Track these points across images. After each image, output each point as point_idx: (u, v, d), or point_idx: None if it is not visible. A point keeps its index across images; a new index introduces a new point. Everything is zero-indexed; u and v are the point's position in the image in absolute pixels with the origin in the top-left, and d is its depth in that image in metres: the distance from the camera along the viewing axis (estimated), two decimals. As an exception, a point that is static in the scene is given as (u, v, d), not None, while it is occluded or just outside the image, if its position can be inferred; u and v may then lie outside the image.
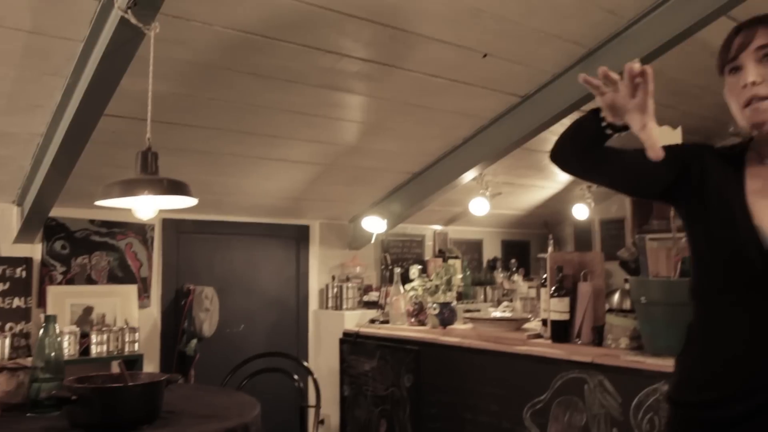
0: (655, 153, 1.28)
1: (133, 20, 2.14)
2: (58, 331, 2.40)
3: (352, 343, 4.42)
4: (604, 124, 1.40)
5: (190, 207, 2.40)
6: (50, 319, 2.33)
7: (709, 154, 1.47)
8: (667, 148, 1.32)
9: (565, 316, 3.26)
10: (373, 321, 4.56)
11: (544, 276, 3.48)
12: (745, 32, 1.37)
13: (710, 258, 1.40)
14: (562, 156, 1.55)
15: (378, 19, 2.85)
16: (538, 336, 3.42)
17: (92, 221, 4.15)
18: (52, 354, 2.31)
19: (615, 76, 1.33)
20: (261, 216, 4.82)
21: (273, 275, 5.00)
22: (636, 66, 1.28)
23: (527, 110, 3.81)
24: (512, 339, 3.44)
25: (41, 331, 2.35)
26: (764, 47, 1.33)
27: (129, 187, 2.05)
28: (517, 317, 3.97)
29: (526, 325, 3.77)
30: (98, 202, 2.16)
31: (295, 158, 4.05)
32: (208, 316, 4.36)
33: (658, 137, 1.29)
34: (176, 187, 2.06)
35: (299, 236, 5.12)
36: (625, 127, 1.37)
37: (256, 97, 3.23)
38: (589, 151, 1.48)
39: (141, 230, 4.32)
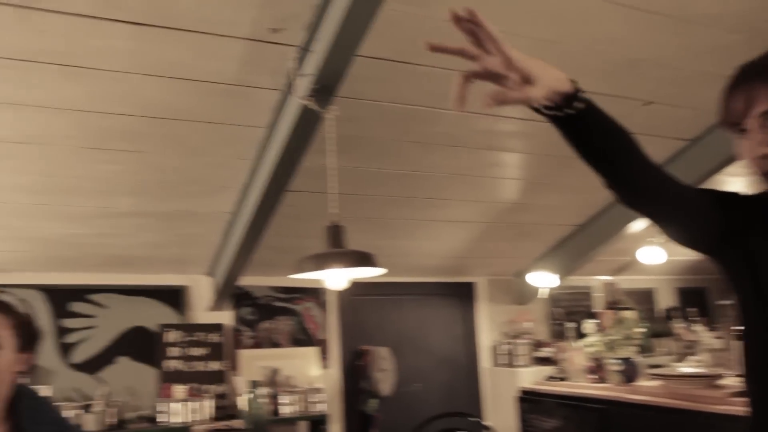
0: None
1: (313, 106, 2.35)
2: (261, 394, 2.58)
3: (530, 402, 4.34)
4: (547, 112, 1.10)
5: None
6: (255, 384, 2.51)
7: (746, 198, 1.31)
8: (712, 192, 1.26)
9: None
10: (550, 378, 4.45)
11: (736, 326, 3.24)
12: (745, 92, 1.20)
13: None
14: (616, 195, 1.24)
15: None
16: (741, 394, 3.16)
17: (274, 288, 4.45)
18: (259, 416, 2.48)
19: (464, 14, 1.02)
20: (428, 275, 4.92)
21: (443, 333, 5.05)
22: (458, 10, 1.00)
23: (696, 153, 3.63)
24: (710, 397, 3.19)
25: (249, 395, 2.53)
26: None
27: (321, 261, 2.20)
28: (711, 373, 3.69)
29: (721, 381, 3.50)
30: (293, 276, 2.33)
31: (458, 218, 4.14)
32: (385, 376, 4.48)
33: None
34: (364, 259, 2.19)
35: (465, 294, 5.16)
36: (562, 99, 1.06)
37: (420, 163, 3.37)
38: (609, 168, 1.18)
39: (317, 294, 4.56)
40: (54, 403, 2.17)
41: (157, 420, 3.77)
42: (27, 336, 1.77)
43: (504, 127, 3.23)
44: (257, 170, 3.04)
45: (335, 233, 2.32)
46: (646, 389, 3.67)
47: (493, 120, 3.13)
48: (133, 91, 2.48)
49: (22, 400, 1.69)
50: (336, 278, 2.41)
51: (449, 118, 3.03)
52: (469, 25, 1.04)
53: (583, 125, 1.11)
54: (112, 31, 2.19)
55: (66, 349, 3.86)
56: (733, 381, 3.44)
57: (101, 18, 2.14)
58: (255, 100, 2.66)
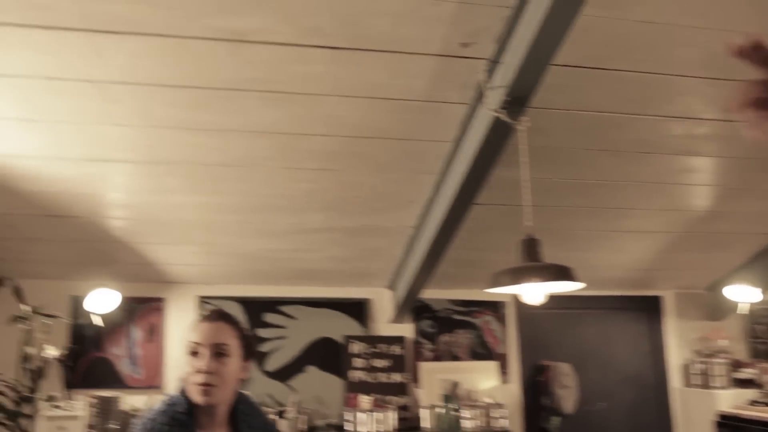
0: None
1: (505, 118, 2.32)
2: (452, 407, 2.58)
3: (731, 428, 3.99)
4: None
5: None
6: (449, 399, 2.52)
7: None
8: None
9: None
10: (754, 403, 4.07)
11: None
12: None
13: None
14: None
15: (738, 77, 2.66)
16: None
17: (452, 301, 4.45)
18: (452, 429, 2.48)
19: None
20: (611, 289, 4.70)
21: (627, 349, 4.79)
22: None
23: None
24: None
25: (439, 408, 2.55)
26: None
27: (517, 275, 2.16)
28: None
29: None
30: (488, 290, 2.31)
31: (646, 228, 3.91)
32: (567, 393, 4.33)
33: None
34: (563, 273, 2.12)
35: (652, 308, 4.86)
36: None
37: (609, 172, 3.22)
38: None
39: (496, 308, 4.51)
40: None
41: (345, 428, 3.89)
42: (248, 346, 1.88)
43: (700, 131, 3.01)
44: (443, 184, 3.06)
45: (531, 246, 2.27)
46: None
47: (690, 124, 2.93)
48: (329, 112, 2.59)
49: (240, 405, 1.80)
50: (533, 293, 2.35)
51: (642, 124, 2.87)
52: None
53: None
54: (312, 56, 2.30)
55: (261, 357, 4.10)
56: None
57: (303, 45, 2.25)
58: (443, 114, 2.68)
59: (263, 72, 2.36)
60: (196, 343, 1.75)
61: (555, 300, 4.55)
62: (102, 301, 3.76)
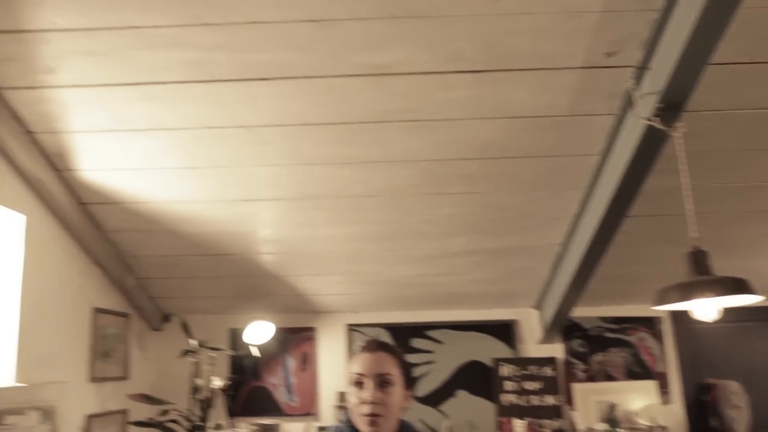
0: None
1: (659, 125, 2.21)
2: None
3: None
4: None
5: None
6: (613, 422, 2.41)
7: None
8: None
9: None
10: None
11: None
12: None
13: None
14: None
15: None
16: None
17: (603, 318, 4.27)
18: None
19: None
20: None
21: (806, 364, 4.38)
22: None
23: None
24: None
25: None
26: None
27: (687, 291, 2.03)
28: None
29: None
30: (654, 307, 2.19)
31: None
32: (738, 414, 4.01)
33: None
34: (738, 286, 1.97)
35: (831, 317, 4.42)
36: None
37: (774, 172, 2.98)
38: None
39: (651, 324, 4.27)
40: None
41: (501, 454, 3.81)
42: (408, 374, 1.89)
43: None
44: (590, 199, 2.95)
45: (699, 258, 2.13)
46: None
47: None
48: (471, 135, 2.58)
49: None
50: (705, 308, 2.20)
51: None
52: None
53: None
54: (453, 82, 2.31)
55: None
56: None
57: (444, 72, 2.26)
58: (588, 127, 2.59)
59: (405, 102, 2.39)
60: (359, 374, 1.77)
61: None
62: (258, 333, 3.93)
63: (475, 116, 2.47)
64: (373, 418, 1.73)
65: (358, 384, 1.77)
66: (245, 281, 3.75)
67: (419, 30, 2.09)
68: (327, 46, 2.13)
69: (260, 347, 4.02)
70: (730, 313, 4.23)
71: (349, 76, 2.25)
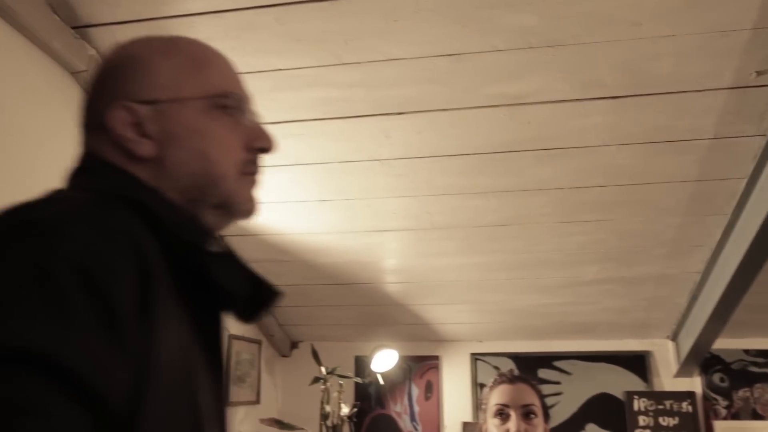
0: None
1: (820, 147, 2.06)
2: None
3: None
4: None
5: None
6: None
7: None
8: None
9: None
10: None
11: None
12: None
13: None
14: None
15: None
16: None
17: (746, 351, 4.00)
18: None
19: None
20: None
21: None
22: None
23: None
24: None
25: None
26: None
27: None
28: None
29: None
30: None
31: None
32: None
33: None
34: None
35: None
36: None
37: None
38: None
39: (800, 357, 3.96)
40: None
41: (638, 493, 3.62)
42: (545, 407, 1.86)
43: None
44: (734, 225, 2.79)
45: None
46: None
47: None
48: (606, 162, 2.51)
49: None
50: None
51: None
52: None
53: None
54: (589, 109, 2.26)
55: (539, 415, 4.01)
56: None
57: (580, 99, 2.22)
58: (734, 150, 2.46)
59: (539, 131, 2.36)
60: (503, 405, 1.77)
61: None
62: (383, 361, 3.96)
63: (610, 143, 2.40)
64: None
65: (501, 415, 1.76)
66: (372, 310, 3.80)
67: (556, 59, 2.06)
68: (462, 78, 2.14)
69: (385, 375, 4.05)
70: None
71: (483, 108, 2.25)
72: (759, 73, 2.14)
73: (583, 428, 3.98)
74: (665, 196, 2.71)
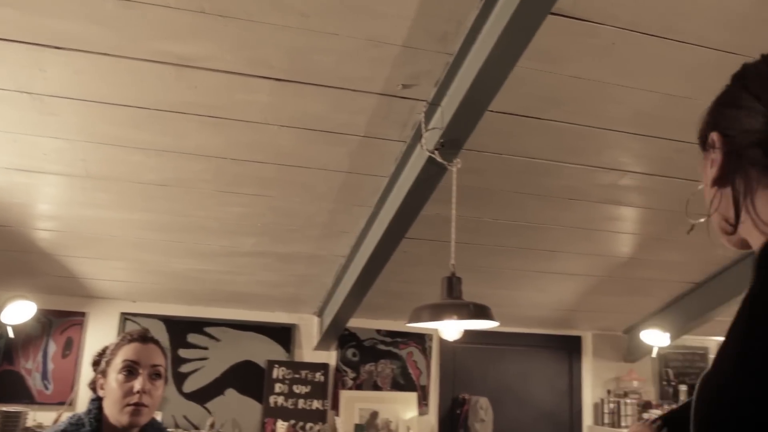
0: None
1: (439, 159, 2.40)
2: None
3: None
4: None
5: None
6: (361, 429, 2.55)
7: None
8: None
9: None
10: (658, 443, 4.25)
11: None
12: None
13: None
14: None
15: (663, 135, 2.84)
16: None
17: (379, 331, 4.49)
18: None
19: None
20: (533, 327, 4.83)
21: (546, 387, 4.92)
22: None
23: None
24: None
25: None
26: None
27: (437, 312, 2.22)
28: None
29: None
30: (408, 324, 2.36)
31: (570, 270, 4.06)
32: (482, 427, 4.41)
33: None
34: (481, 312, 2.20)
35: (571, 347, 5.02)
36: None
37: (537, 215, 3.35)
38: None
39: (421, 340, 4.57)
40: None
41: (261, 454, 3.85)
42: (166, 371, 1.89)
43: (627, 182, 3.17)
44: (376, 217, 3.11)
45: (452, 284, 2.33)
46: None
47: (616, 174, 3.08)
48: (267, 140, 2.61)
49: (149, 428, 1.79)
50: (450, 329, 2.42)
51: (571, 171, 3.01)
52: None
53: None
54: (255, 86, 2.33)
55: (180, 378, 4.03)
56: None
57: (247, 75, 2.28)
58: (381, 150, 2.74)
59: (205, 97, 2.37)
60: (133, 362, 1.74)
61: (479, 335, 4.66)
62: (16, 313, 3.63)
63: (273, 122, 2.51)
64: (141, 408, 1.70)
65: (129, 372, 1.72)
66: (12, 256, 3.45)
67: (226, 29, 2.09)
68: (130, 26, 2.06)
69: (17, 328, 3.72)
70: (489, 336, 4.65)
71: (150, 62, 2.18)
72: (404, 86, 2.41)
73: (222, 393, 4.10)
74: (320, 181, 2.92)
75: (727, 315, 4.64)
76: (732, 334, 0.74)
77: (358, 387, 4.38)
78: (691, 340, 5.21)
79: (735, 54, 2.36)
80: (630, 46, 2.31)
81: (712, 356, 5.31)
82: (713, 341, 5.38)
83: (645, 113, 2.71)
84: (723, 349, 0.75)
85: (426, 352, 4.58)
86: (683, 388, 4.51)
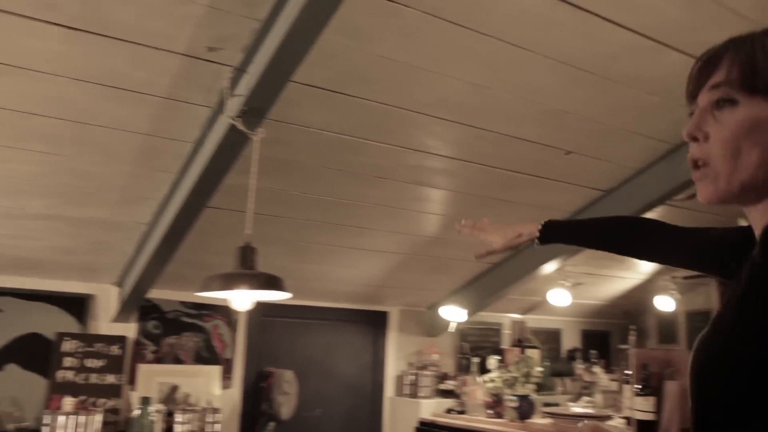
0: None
1: (241, 127, 2.35)
2: (152, 411, 2.53)
3: (428, 433, 4.40)
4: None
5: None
6: (146, 401, 2.46)
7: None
8: None
9: (651, 417, 3.18)
10: (449, 411, 4.53)
11: (627, 371, 3.42)
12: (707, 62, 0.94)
13: None
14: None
15: (464, 121, 3.00)
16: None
17: (183, 303, 4.35)
18: (149, 433, 2.43)
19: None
20: (341, 302, 4.93)
21: (351, 360, 5.06)
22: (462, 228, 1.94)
23: (610, 204, 3.84)
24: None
25: (138, 411, 2.48)
26: (718, 87, 0.91)
27: (228, 281, 2.19)
28: (599, 414, 3.87)
29: (610, 423, 3.67)
30: (199, 293, 2.31)
31: (378, 248, 4.18)
32: (286, 400, 4.44)
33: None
34: (272, 282, 2.19)
35: (378, 322, 5.19)
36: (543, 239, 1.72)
37: (345, 191, 3.40)
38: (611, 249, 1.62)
39: (227, 313, 4.49)
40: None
41: (42, 433, 3.58)
42: None
43: (431, 164, 3.32)
44: (179, 184, 3.00)
45: (246, 254, 2.31)
46: (539, 426, 3.80)
47: (421, 156, 3.20)
48: (58, 93, 2.41)
49: None
50: (242, 299, 2.40)
51: (377, 150, 3.08)
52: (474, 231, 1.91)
53: (558, 239, 1.72)
54: (45, 32, 2.13)
55: (-50, 353, 3.64)
56: (617, 422, 3.62)
57: (36, 19, 2.08)
58: (184, 114, 2.63)
59: (-13, 39, 2.13)
60: None
61: (287, 309, 4.68)
62: None
63: (65, 74, 2.32)
64: None
65: None
66: None
67: (6, -36, 1.89)
68: None
69: None
70: (296, 309, 4.68)
71: None
72: (210, 49, 2.33)
73: (1, 369, 3.76)
74: (118, 142, 2.75)
75: (518, 293, 5.05)
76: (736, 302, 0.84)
77: (159, 360, 4.22)
78: (487, 316, 5.60)
79: (527, 50, 2.54)
80: (434, 31, 2.40)
81: (506, 332, 5.75)
82: (507, 318, 5.82)
83: (447, 99, 2.84)
84: (723, 315, 0.86)
85: (232, 325, 4.51)
86: (476, 360, 4.82)
